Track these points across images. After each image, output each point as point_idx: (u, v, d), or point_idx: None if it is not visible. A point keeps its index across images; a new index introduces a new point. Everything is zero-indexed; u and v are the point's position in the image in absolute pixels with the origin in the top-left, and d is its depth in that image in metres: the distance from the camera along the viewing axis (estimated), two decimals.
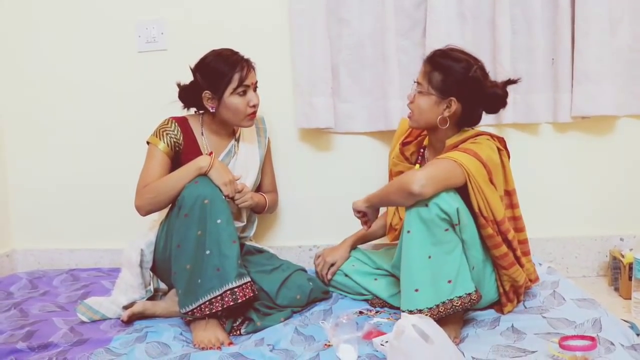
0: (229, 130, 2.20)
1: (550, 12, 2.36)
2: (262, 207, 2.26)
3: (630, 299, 2.09)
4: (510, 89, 2.32)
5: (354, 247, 2.24)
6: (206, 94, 2.07)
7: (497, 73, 2.33)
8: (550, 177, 2.47)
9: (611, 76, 2.32)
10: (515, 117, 2.41)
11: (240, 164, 2.18)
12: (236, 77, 2.04)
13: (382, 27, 2.38)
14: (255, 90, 2.11)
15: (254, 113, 2.11)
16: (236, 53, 2.09)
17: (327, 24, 2.39)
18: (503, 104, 1.89)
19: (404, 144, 2.09)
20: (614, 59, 2.34)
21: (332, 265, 2.18)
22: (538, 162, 2.46)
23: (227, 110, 2.07)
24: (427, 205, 1.69)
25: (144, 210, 2.02)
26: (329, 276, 2.17)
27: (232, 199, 2.01)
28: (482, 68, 1.86)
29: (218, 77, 2.04)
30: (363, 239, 2.26)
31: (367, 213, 1.93)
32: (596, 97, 2.32)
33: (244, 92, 2.06)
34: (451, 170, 1.72)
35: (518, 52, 2.38)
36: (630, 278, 2.14)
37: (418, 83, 1.89)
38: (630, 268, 2.13)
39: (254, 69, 2.11)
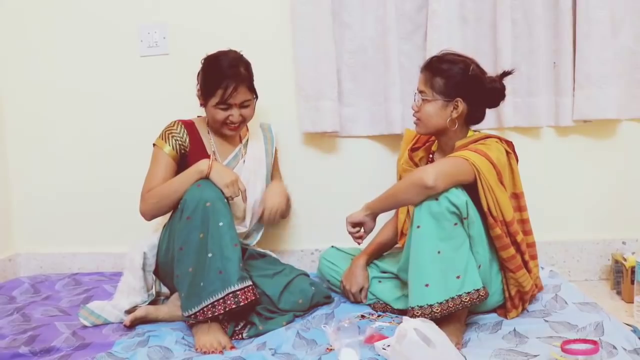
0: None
1: (552, 14, 2.36)
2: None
3: (632, 302, 2.08)
4: (511, 92, 2.35)
5: (368, 264, 2.17)
6: (197, 90, 2.13)
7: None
8: (552, 181, 2.47)
9: (613, 79, 2.33)
10: (517, 121, 2.41)
11: (247, 171, 2.17)
12: (219, 93, 2.04)
13: (384, 30, 2.39)
14: (244, 107, 2.08)
15: (236, 128, 2.11)
16: (234, 66, 2.05)
17: (330, 27, 2.39)
18: (503, 96, 1.95)
19: (413, 150, 2.12)
20: (616, 61, 2.34)
21: (361, 289, 2.11)
22: (540, 166, 2.46)
23: (209, 114, 2.12)
24: (437, 199, 1.72)
25: (149, 215, 2.05)
26: (364, 300, 2.11)
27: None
28: (478, 66, 1.91)
29: (205, 85, 2.08)
30: (377, 253, 2.20)
31: (365, 224, 1.94)
32: (598, 101, 2.32)
33: (226, 109, 2.07)
34: (461, 167, 1.76)
35: (519, 55, 2.38)
36: (632, 282, 2.13)
37: (421, 92, 1.92)
38: (633, 272, 2.13)
39: (246, 86, 2.07)
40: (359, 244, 2.01)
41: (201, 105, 2.13)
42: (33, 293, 2.39)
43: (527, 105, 2.41)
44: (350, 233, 1.97)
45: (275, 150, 2.34)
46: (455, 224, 1.73)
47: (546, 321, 1.82)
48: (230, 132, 2.12)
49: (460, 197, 1.72)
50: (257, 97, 2.15)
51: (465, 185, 1.77)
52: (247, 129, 2.28)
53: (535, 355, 1.60)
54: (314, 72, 2.39)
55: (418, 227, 1.74)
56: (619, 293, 2.27)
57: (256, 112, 2.20)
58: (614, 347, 1.60)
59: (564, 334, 1.72)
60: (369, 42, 2.43)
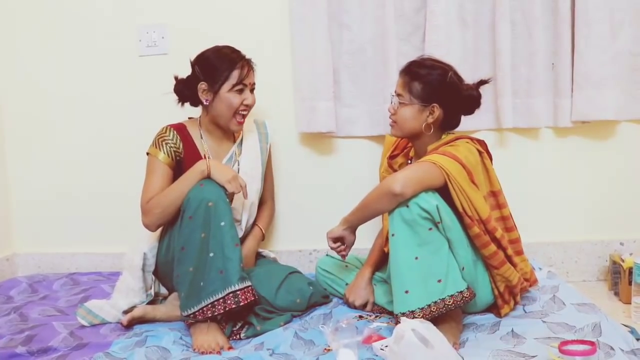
0: (228, 133, 2.19)
1: (551, 16, 2.36)
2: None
3: (630, 303, 2.08)
4: (510, 93, 2.36)
5: (374, 274, 2.15)
6: (202, 85, 2.08)
7: (497, 78, 2.33)
8: (550, 182, 2.47)
9: (612, 81, 2.33)
10: (516, 122, 2.41)
11: (242, 172, 2.15)
12: (235, 74, 2.05)
13: (383, 31, 2.39)
14: (252, 91, 2.12)
15: (245, 115, 2.11)
16: (238, 51, 2.11)
17: (328, 29, 2.39)
18: (478, 104, 1.96)
19: (391, 157, 2.13)
20: (615, 63, 2.34)
21: (366, 304, 2.08)
22: (538, 167, 2.46)
23: (221, 104, 2.07)
24: (407, 206, 1.72)
25: (154, 226, 2.00)
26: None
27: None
28: (456, 73, 1.93)
29: (218, 71, 2.05)
30: (381, 261, 2.15)
31: (344, 238, 1.95)
32: (596, 102, 2.32)
33: (241, 91, 2.07)
34: (429, 171, 1.76)
35: (518, 57, 2.38)
36: (630, 283, 2.13)
37: (398, 95, 1.93)
38: (630, 273, 2.13)
39: (253, 70, 2.12)
40: (343, 258, 2.01)
41: (206, 101, 2.08)
42: (31, 293, 2.39)
43: (526, 106, 2.41)
44: (332, 249, 1.98)
45: (270, 146, 2.32)
46: (430, 228, 1.72)
47: (544, 322, 1.82)
48: (238, 126, 2.11)
49: (430, 202, 1.71)
50: None
51: (439, 188, 1.76)
52: (242, 128, 2.27)
53: (533, 356, 1.60)
54: (311, 72, 2.40)
55: (393, 235, 1.74)
56: (616, 294, 2.27)
57: (253, 111, 2.20)
58: (612, 348, 1.60)
59: (562, 335, 1.72)
60: (368, 43, 2.43)
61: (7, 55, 2.63)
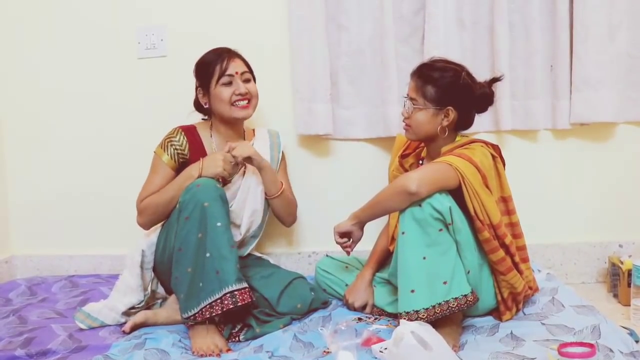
0: (237, 134, 2.20)
1: (549, 18, 2.37)
2: (279, 187, 2.17)
3: (629, 305, 2.08)
4: (509, 95, 2.36)
5: (374, 276, 2.15)
6: (199, 91, 2.14)
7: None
8: (549, 184, 2.47)
9: (610, 83, 2.33)
10: (514, 124, 2.41)
11: (248, 177, 2.14)
12: (217, 68, 2.07)
13: (381, 33, 2.39)
14: (246, 81, 2.12)
15: (246, 103, 2.11)
16: (221, 48, 2.13)
17: (326, 30, 2.40)
18: (491, 102, 1.96)
19: (403, 156, 2.12)
20: (613, 65, 2.34)
21: (365, 305, 2.08)
22: (537, 169, 2.46)
23: (215, 101, 2.10)
24: (420, 206, 1.72)
25: (148, 226, 2.06)
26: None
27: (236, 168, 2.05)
28: (468, 73, 1.91)
29: (204, 72, 2.10)
30: (381, 263, 2.16)
31: (352, 233, 1.94)
32: (595, 104, 2.33)
33: (229, 83, 2.08)
34: (445, 172, 1.76)
35: (517, 59, 2.39)
36: (629, 285, 2.13)
37: (412, 99, 1.92)
38: (629, 274, 2.13)
39: (240, 58, 2.13)
40: (348, 254, 2.01)
41: (205, 104, 2.13)
42: (29, 295, 2.39)
43: (525, 108, 2.41)
44: (338, 243, 1.97)
45: (283, 157, 2.32)
46: (440, 229, 1.72)
47: (543, 324, 1.82)
48: (242, 112, 2.10)
49: (443, 203, 1.72)
50: (255, 77, 2.18)
51: (451, 190, 1.76)
52: (254, 134, 2.28)
53: (532, 359, 1.60)
54: (309, 74, 2.40)
55: (403, 233, 1.75)
56: (615, 296, 2.27)
57: (256, 115, 2.20)
58: (611, 350, 1.60)
59: (561, 337, 1.72)
60: (366, 45, 2.43)
61: (6, 57, 2.63)
